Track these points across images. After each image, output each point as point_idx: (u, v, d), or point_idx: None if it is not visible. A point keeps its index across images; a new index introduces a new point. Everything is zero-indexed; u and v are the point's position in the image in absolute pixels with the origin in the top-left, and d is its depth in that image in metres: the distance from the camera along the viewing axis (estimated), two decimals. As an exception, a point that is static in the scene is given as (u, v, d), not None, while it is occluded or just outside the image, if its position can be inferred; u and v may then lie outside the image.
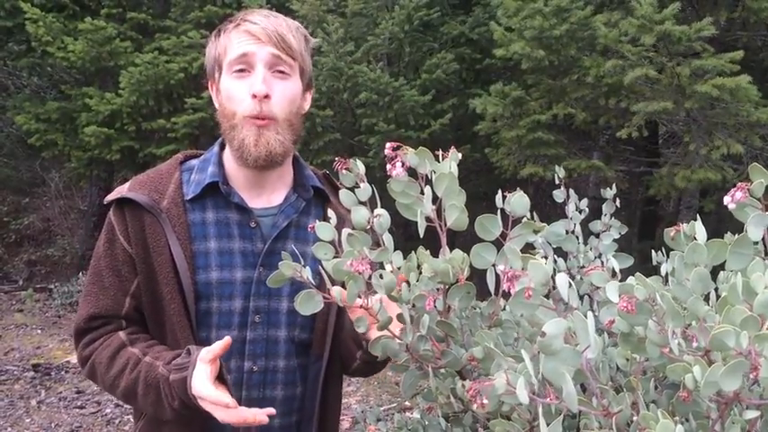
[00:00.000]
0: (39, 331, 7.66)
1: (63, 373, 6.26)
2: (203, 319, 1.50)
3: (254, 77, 1.47)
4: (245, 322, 1.52)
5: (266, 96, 1.47)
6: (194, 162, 1.60)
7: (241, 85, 1.48)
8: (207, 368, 1.33)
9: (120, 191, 1.54)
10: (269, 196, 1.57)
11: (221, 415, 1.32)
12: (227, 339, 1.35)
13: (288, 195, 1.58)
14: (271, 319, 1.53)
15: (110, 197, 1.55)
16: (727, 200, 0.93)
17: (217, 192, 1.53)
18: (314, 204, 1.61)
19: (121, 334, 1.52)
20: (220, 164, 1.56)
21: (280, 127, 1.50)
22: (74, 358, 6.44)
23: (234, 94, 1.49)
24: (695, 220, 1.01)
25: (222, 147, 1.60)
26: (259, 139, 1.47)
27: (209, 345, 1.46)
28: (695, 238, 0.96)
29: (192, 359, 1.36)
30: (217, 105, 1.56)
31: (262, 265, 1.52)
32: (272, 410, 1.35)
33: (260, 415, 1.32)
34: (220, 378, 1.36)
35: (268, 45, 1.48)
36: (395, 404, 5.47)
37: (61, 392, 5.81)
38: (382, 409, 4.77)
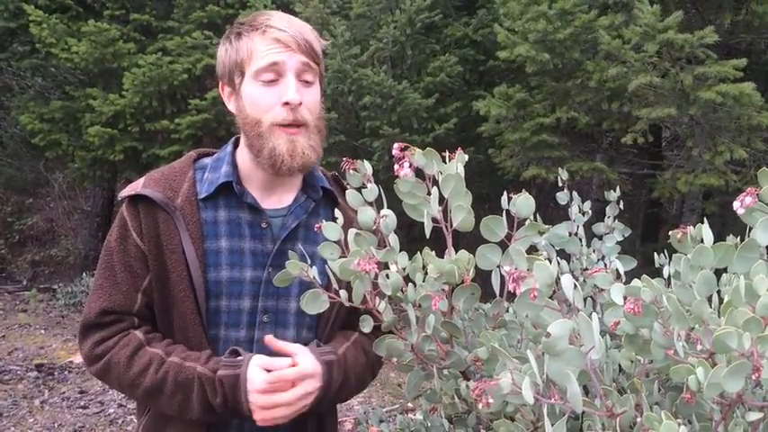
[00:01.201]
0: (42, 331, 7.68)
1: (66, 373, 6.27)
2: (213, 317, 1.51)
3: (286, 86, 1.47)
4: (253, 322, 1.53)
5: (299, 104, 1.48)
6: (207, 161, 1.61)
7: (269, 92, 1.48)
8: (263, 372, 1.41)
9: (135, 187, 1.54)
10: (280, 197, 1.58)
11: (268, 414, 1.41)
12: (290, 361, 1.43)
13: (297, 196, 1.59)
14: (279, 319, 1.55)
15: (124, 193, 1.55)
16: (736, 205, 0.93)
17: (230, 191, 1.54)
18: (323, 206, 1.62)
19: (138, 333, 1.52)
20: (234, 163, 1.57)
21: (311, 133, 1.51)
22: (77, 358, 6.44)
23: (261, 103, 1.48)
24: (698, 222, 1.02)
25: (236, 146, 1.61)
26: (294, 149, 1.48)
27: (218, 344, 1.52)
28: (701, 241, 0.97)
29: (246, 359, 1.42)
30: (233, 109, 1.55)
31: (271, 266, 1.53)
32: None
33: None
34: None
35: (297, 53, 1.48)
36: (397, 405, 5.47)
37: (64, 392, 5.82)
38: (385, 410, 4.78)
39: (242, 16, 1.60)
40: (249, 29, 1.50)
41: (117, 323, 1.53)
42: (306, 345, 1.58)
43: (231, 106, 1.56)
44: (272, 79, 1.48)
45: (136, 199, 1.53)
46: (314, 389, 1.43)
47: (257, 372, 1.40)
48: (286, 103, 1.46)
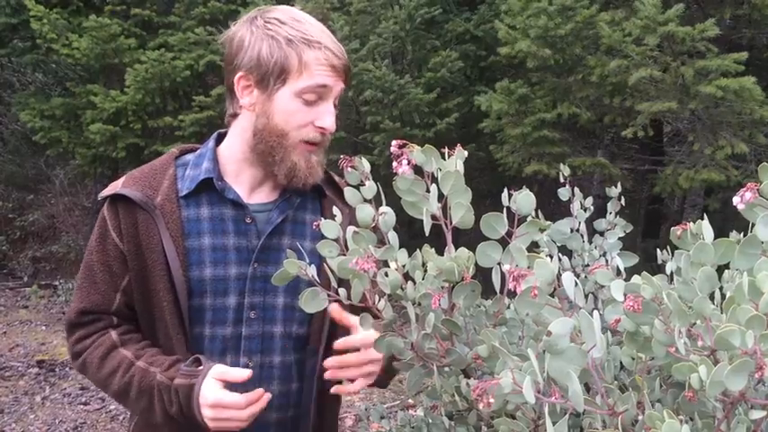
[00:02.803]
0: (43, 328, 7.68)
1: (67, 369, 6.27)
2: (197, 315, 1.51)
3: (325, 112, 1.49)
4: (239, 318, 1.52)
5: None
6: (189, 157, 1.60)
7: (306, 111, 1.48)
8: (218, 384, 1.39)
9: (115, 187, 1.55)
10: (267, 192, 1.58)
11: (233, 417, 1.39)
12: (248, 373, 1.42)
13: (283, 191, 1.59)
14: (266, 315, 1.54)
15: (104, 193, 1.56)
16: (736, 200, 0.93)
17: (212, 187, 1.53)
18: (310, 199, 1.62)
19: (113, 334, 1.54)
20: (215, 159, 1.56)
21: (322, 150, 1.55)
22: (78, 355, 6.45)
23: (296, 119, 1.49)
24: (700, 218, 1.01)
25: (218, 141, 1.60)
26: (311, 165, 1.52)
27: (204, 341, 1.52)
28: (702, 237, 0.96)
29: (204, 369, 1.41)
30: (248, 104, 1.52)
31: (256, 261, 1.53)
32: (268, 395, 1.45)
33: (264, 398, 1.42)
34: None
35: (341, 80, 1.50)
36: (398, 402, 5.48)
37: (65, 389, 5.82)
38: (386, 406, 4.77)
39: (247, 11, 1.58)
40: (304, 42, 1.47)
41: (95, 322, 1.55)
42: (298, 341, 1.58)
43: (246, 100, 1.52)
44: (313, 100, 1.48)
45: (116, 198, 1.53)
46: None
47: (211, 384, 1.39)
48: (321, 128, 1.49)
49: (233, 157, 1.56)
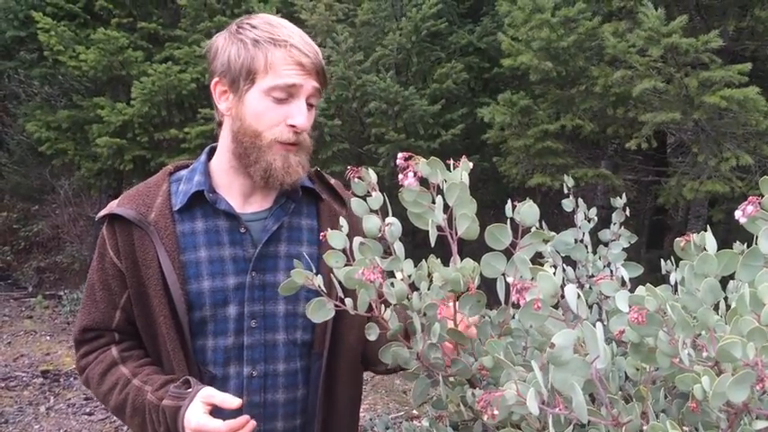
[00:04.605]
0: (48, 338, 7.68)
1: (72, 379, 6.27)
2: (198, 328, 1.53)
3: (296, 109, 1.49)
4: (240, 328, 1.53)
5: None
6: (183, 173, 1.62)
7: (277, 109, 1.49)
8: (204, 408, 1.39)
9: (111, 207, 1.58)
10: (260, 201, 1.59)
11: None
12: (238, 402, 1.39)
13: (277, 198, 1.60)
14: (267, 323, 1.55)
15: (100, 214, 1.59)
16: (738, 214, 0.93)
17: (205, 200, 1.55)
18: (305, 204, 1.63)
19: (114, 351, 1.58)
20: (207, 173, 1.58)
21: (303, 152, 1.54)
22: (82, 365, 6.46)
23: (267, 118, 1.49)
24: (703, 229, 1.02)
25: (210, 155, 1.62)
26: (288, 165, 1.51)
27: (207, 353, 1.53)
28: (705, 249, 0.97)
29: (193, 392, 1.41)
30: (225, 109, 1.55)
31: (254, 270, 1.54)
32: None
33: (249, 425, 1.39)
34: None
35: (312, 78, 1.50)
36: (402, 413, 5.46)
37: (70, 399, 5.82)
38: (390, 417, 4.76)
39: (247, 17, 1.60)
40: (270, 42, 1.49)
41: (98, 339, 1.60)
42: (303, 347, 1.57)
43: (223, 105, 1.55)
44: (284, 98, 1.49)
45: (113, 218, 1.56)
46: None
47: (197, 407, 1.39)
48: (293, 126, 1.49)
49: (222, 167, 1.58)
